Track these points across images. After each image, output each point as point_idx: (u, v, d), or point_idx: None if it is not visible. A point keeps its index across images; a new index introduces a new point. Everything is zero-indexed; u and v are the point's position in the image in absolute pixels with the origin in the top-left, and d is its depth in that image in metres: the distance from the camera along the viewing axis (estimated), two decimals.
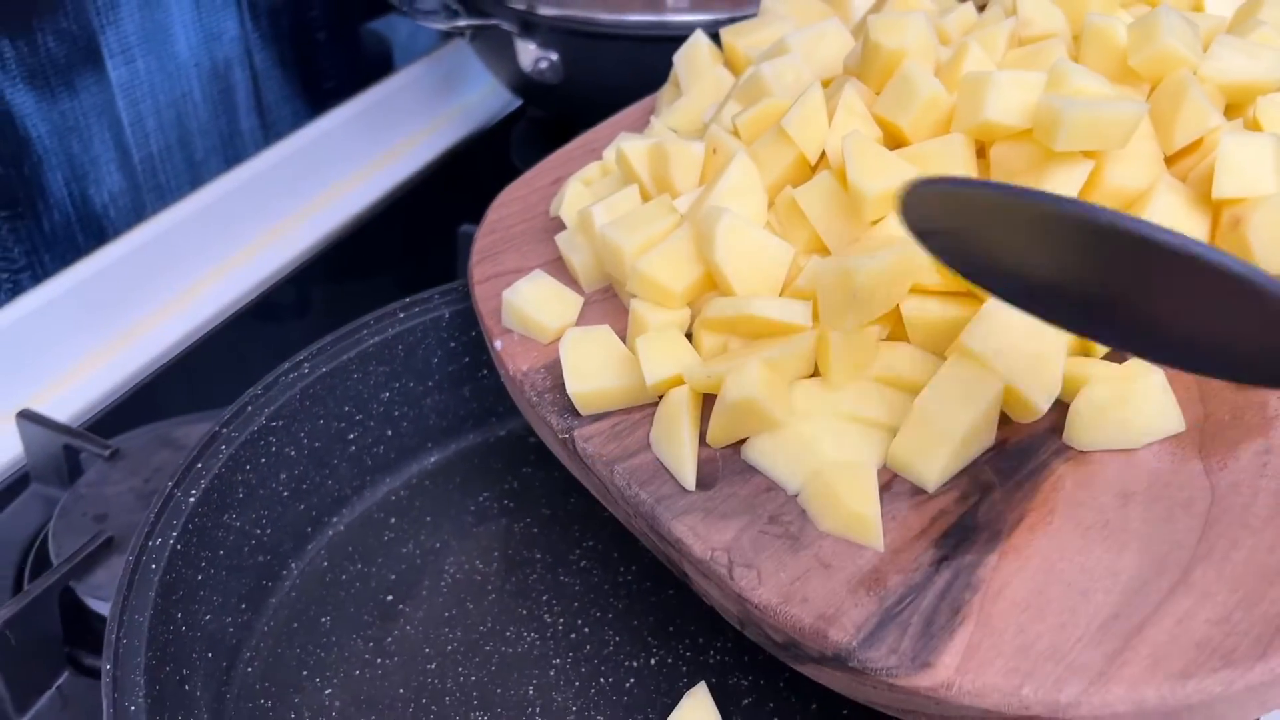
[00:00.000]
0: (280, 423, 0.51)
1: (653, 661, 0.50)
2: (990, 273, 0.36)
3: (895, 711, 0.39)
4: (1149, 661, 0.35)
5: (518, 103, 1.04)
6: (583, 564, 0.54)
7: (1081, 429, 0.42)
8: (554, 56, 0.84)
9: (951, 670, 0.36)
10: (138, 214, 0.79)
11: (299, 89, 0.90)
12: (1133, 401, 0.41)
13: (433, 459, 0.59)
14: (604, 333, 0.48)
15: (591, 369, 0.46)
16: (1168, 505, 0.40)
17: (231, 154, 0.85)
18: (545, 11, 0.83)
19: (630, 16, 0.82)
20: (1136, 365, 0.42)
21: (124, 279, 0.77)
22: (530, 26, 0.83)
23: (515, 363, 0.50)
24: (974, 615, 0.37)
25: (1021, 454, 0.43)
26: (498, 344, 0.51)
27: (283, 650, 0.50)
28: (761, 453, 0.43)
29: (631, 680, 0.49)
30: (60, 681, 0.54)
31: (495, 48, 0.89)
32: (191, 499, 0.46)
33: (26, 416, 0.63)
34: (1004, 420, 0.43)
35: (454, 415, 0.59)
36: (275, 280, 0.82)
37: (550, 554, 0.54)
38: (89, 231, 0.76)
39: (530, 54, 0.85)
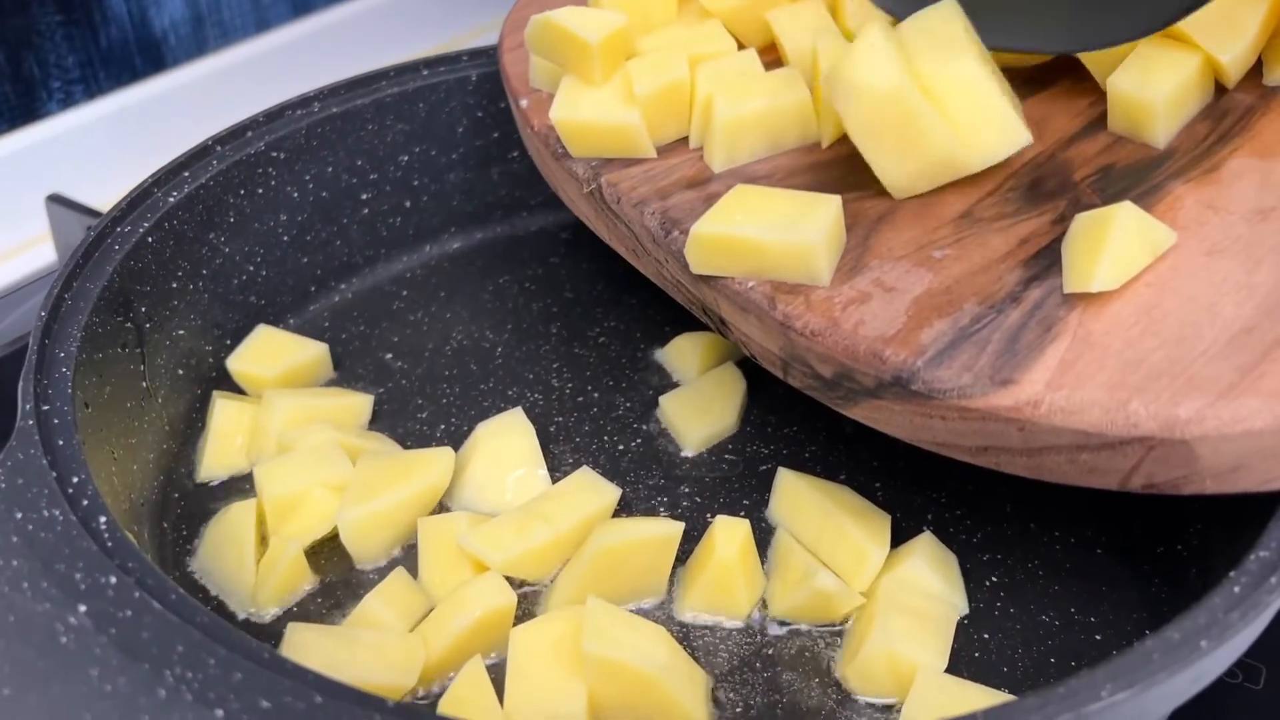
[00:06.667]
0: (281, 155, 0.47)
1: (664, 427, 0.44)
2: None
3: (966, 453, 0.32)
4: None
5: None
6: (601, 340, 0.49)
7: None
8: None
9: (1040, 386, 0.30)
10: (199, 47, 0.78)
11: None
12: None
13: (455, 244, 0.54)
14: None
15: (585, 101, 0.42)
16: None
17: (301, 3, 0.84)
18: None
19: None
20: None
21: (179, 110, 0.75)
22: None
23: (540, 118, 0.45)
24: (1070, 332, 0.31)
25: (1131, 175, 0.36)
26: (523, 102, 0.47)
27: None
28: None
29: (638, 441, 0.44)
30: None
31: None
32: (171, 200, 0.43)
33: (55, 200, 0.61)
34: (1113, 143, 0.37)
35: (480, 200, 0.55)
36: None
37: (567, 330, 0.49)
38: (147, 55, 0.75)
39: None
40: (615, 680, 0.31)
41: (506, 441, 0.41)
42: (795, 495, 0.39)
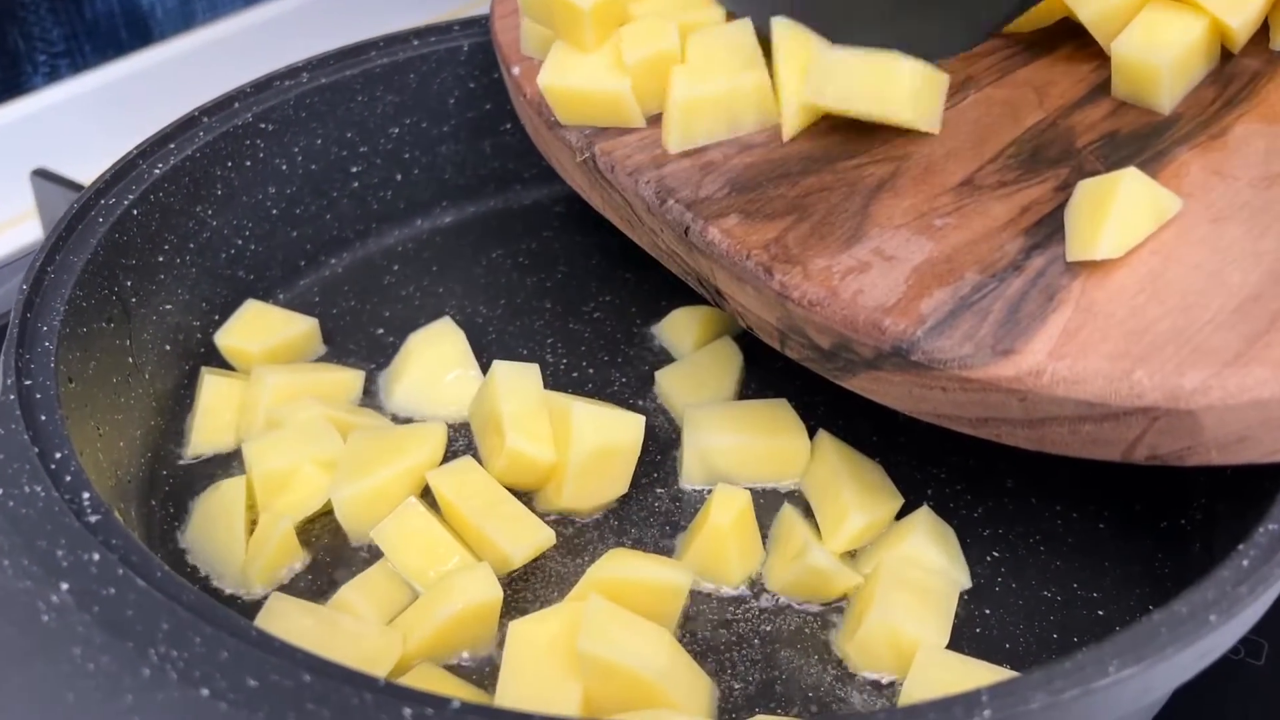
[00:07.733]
0: (269, 127, 0.46)
1: (659, 400, 0.44)
2: None
3: (967, 425, 0.32)
4: None
5: None
6: (596, 315, 0.48)
7: None
8: None
9: (1042, 355, 0.29)
10: (186, 21, 0.77)
11: None
12: None
13: (447, 218, 0.54)
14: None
15: (574, 68, 0.41)
16: None
17: None
18: None
19: None
20: None
21: (167, 85, 0.74)
22: None
23: (532, 86, 0.44)
24: (1073, 301, 0.30)
25: (1136, 141, 0.36)
26: (515, 70, 0.46)
27: None
28: None
29: None
30: None
31: None
32: (157, 172, 0.42)
33: (41, 175, 0.60)
34: (1117, 109, 0.37)
35: (473, 173, 0.54)
36: None
37: (561, 305, 0.49)
38: (133, 29, 0.73)
39: None
40: (611, 682, 0.30)
41: (439, 348, 0.43)
42: (823, 455, 0.39)
